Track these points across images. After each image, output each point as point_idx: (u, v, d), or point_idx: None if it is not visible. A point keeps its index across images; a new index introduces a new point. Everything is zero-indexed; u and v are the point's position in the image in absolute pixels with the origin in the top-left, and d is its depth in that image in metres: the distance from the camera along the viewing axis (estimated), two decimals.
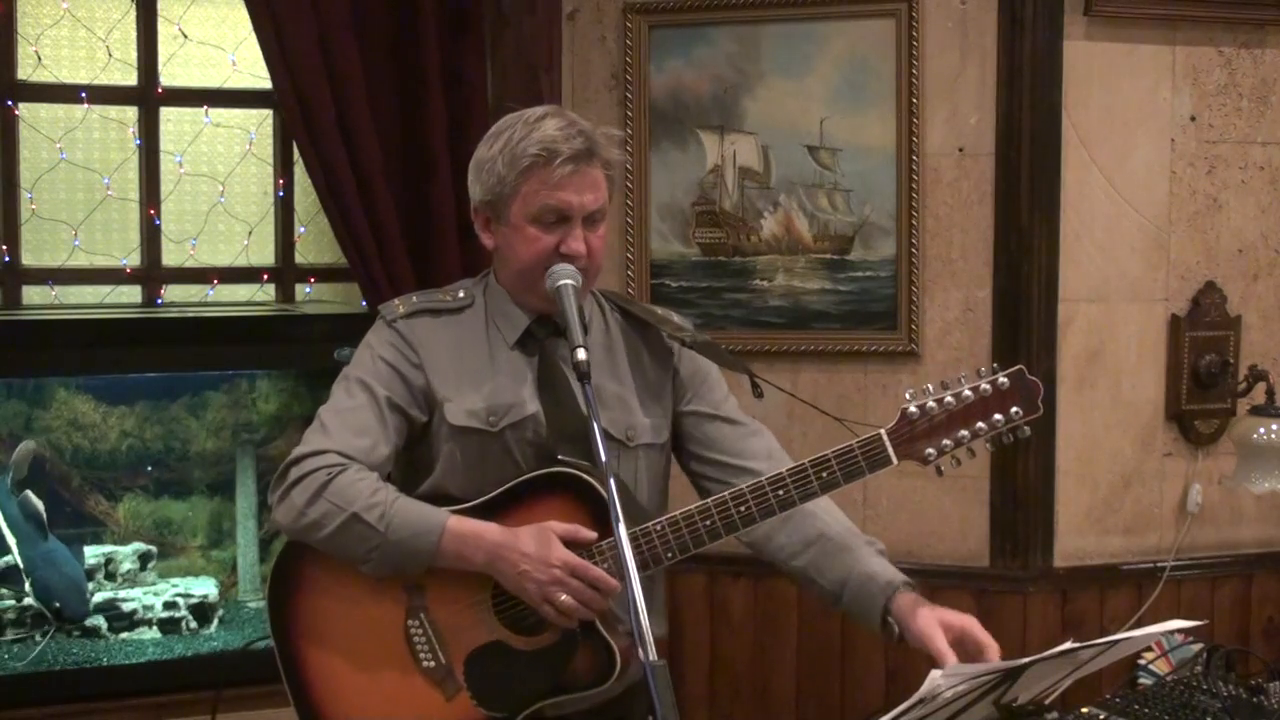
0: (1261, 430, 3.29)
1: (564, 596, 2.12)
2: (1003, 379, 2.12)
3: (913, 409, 2.12)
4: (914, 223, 3.44)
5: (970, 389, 2.12)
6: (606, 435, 2.20)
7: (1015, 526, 3.44)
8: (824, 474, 2.14)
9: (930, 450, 2.12)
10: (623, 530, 1.91)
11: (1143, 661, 3.30)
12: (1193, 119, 3.48)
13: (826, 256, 3.52)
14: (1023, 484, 3.42)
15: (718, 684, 3.65)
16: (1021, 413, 2.12)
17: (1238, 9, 3.45)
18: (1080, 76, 3.40)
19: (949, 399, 2.11)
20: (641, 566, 2.14)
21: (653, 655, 1.77)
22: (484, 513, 2.21)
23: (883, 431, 2.13)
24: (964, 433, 2.11)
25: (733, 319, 3.57)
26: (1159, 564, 3.49)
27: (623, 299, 2.46)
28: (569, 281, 2.18)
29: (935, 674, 1.81)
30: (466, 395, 2.28)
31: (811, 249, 3.53)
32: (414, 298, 2.38)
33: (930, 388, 2.13)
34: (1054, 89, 3.38)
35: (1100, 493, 3.49)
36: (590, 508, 2.19)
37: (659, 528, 2.17)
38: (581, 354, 2.08)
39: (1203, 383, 3.50)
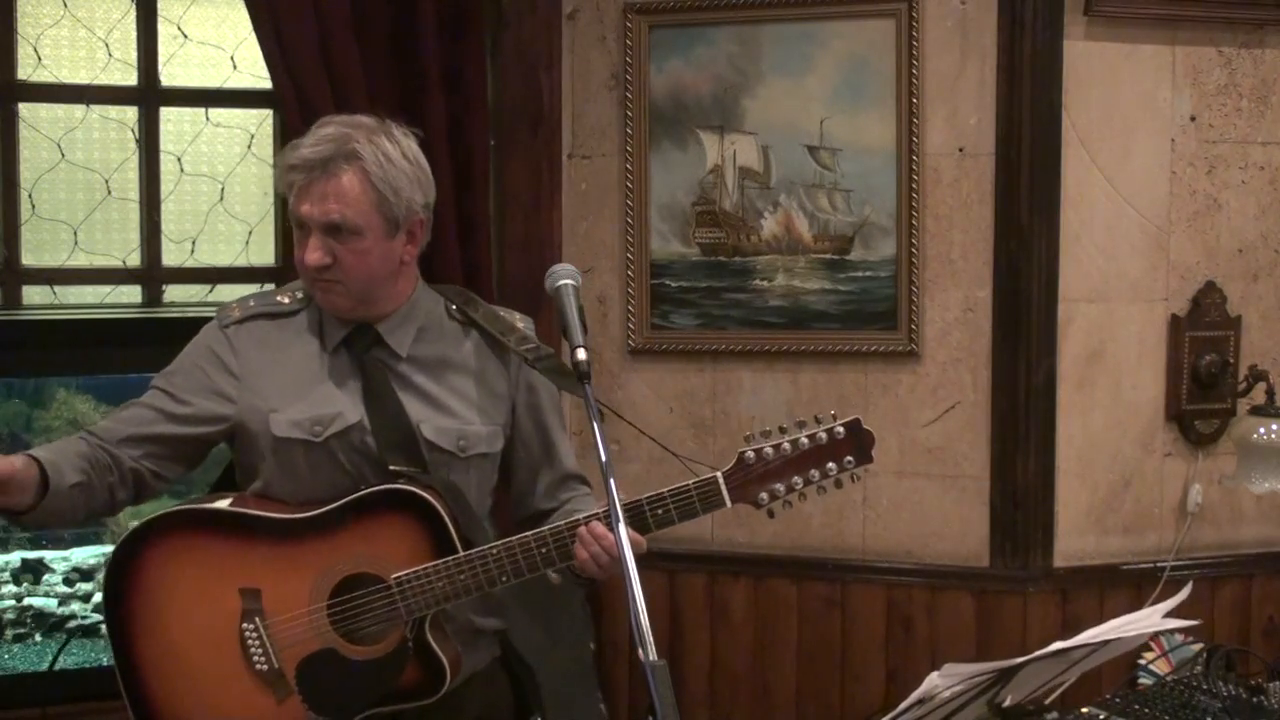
0: (1261, 430, 3.28)
1: None
2: (839, 428, 2.19)
3: (749, 454, 2.19)
4: (914, 223, 3.44)
5: (807, 436, 2.19)
6: (434, 448, 2.24)
7: (1015, 526, 3.43)
8: (659, 511, 2.17)
9: (763, 495, 2.19)
10: (623, 529, 1.91)
11: (1143, 661, 3.30)
12: (1193, 119, 3.48)
13: (826, 256, 3.52)
14: (1023, 484, 3.42)
15: (718, 684, 3.65)
16: (854, 461, 2.19)
17: (1238, 9, 3.45)
18: (1080, 76, 3.40)
19: (785, 445, 2.19)
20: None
21: (653, 655, 1.77)
22: (319, 527, 2.22)
23: (719, 474, 2.19)
24: (797, 479, 2.19)
25: (733, 319, 3.57)
26: (1159, 564, 3.49)
27: (469, 301, 2.41)
28: (569, 282, 2.18)
29: (933, 675, 1.82)
30: (290, 404, 2.27)
31: (811, 249, 3.53)
32: (251, 301, 2.38)
33: (771, 431, 2.20)
34: (1054, 89, 3.38)
35: (1100, 493, 3.49)
36: (430, 526, 2.20)
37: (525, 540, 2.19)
38: (581, 354, 2.07)
39: (1203, 383, 3.49)
